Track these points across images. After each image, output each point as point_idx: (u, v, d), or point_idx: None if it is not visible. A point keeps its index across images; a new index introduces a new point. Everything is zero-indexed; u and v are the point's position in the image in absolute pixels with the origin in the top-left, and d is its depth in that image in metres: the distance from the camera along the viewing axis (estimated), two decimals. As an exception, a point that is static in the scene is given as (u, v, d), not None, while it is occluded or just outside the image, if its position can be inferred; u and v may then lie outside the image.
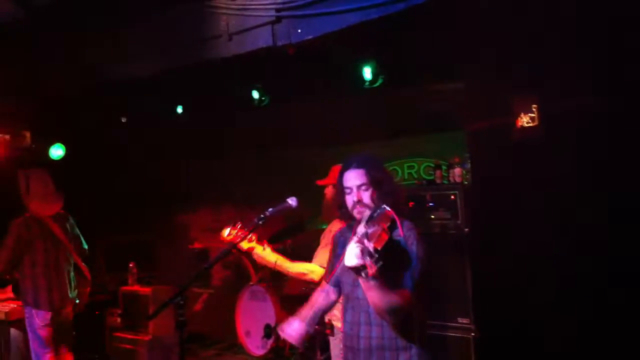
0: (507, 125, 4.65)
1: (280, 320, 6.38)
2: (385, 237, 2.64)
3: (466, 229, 5.33)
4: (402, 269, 2.89)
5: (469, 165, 5.85)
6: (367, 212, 2.92)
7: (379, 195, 3.03)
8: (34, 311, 5.67)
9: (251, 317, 6.87)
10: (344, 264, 2.70)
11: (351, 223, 3.22)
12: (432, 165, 6.14)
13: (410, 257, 2.90)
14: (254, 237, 4.63)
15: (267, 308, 6.67)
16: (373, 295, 2.75)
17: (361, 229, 2.69)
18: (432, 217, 5.46)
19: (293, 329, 3.17)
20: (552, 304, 4.72)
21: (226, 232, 4.44)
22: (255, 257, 4.46)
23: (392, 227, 2.79)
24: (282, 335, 3.20)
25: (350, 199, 3.13)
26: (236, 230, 4.45)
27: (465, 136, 5.89)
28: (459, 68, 4.89)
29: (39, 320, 5.67)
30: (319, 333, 5.70)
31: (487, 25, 4.13)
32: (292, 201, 3.79)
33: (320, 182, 4.72)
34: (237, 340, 7.07)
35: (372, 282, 2.67)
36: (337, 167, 4.72)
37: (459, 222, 5.39)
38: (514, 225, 4.85)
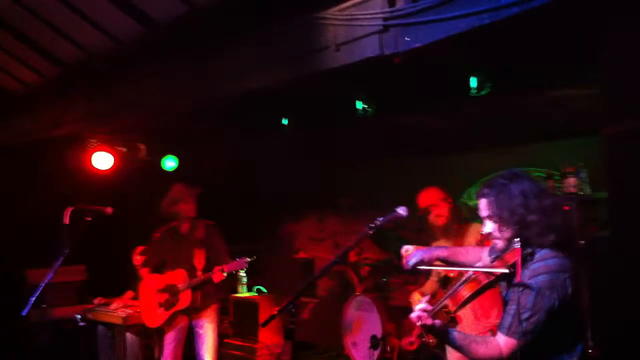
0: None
1: (386, 331, 6.35)
2: (445, 318, 2.74)
3: (582, 242, 5.10)
4: (503, 317, 2.74)
5: (583, 175, 5.61)
6: (501, 245, 2.83)
7: (505, 228, 2.80)
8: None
9: (357, 327, 6.85)
10: None
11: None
12: (543, 175, 5.92)
13: (519, 305, 2.60)
14: None
15: (374, 319, 6.63)
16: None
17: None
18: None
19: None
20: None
21: None
22: None
23: (525, 260, 2.65)
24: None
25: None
26: None
27: (583, 143, 5.65)
28: (580, 71, 4.67)
29: None
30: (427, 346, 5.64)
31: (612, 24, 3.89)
32: (402, 210, 3.69)
33: None
34: (343, 351, 7.07)
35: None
36: None
37: (574, 234, 5.18)
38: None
